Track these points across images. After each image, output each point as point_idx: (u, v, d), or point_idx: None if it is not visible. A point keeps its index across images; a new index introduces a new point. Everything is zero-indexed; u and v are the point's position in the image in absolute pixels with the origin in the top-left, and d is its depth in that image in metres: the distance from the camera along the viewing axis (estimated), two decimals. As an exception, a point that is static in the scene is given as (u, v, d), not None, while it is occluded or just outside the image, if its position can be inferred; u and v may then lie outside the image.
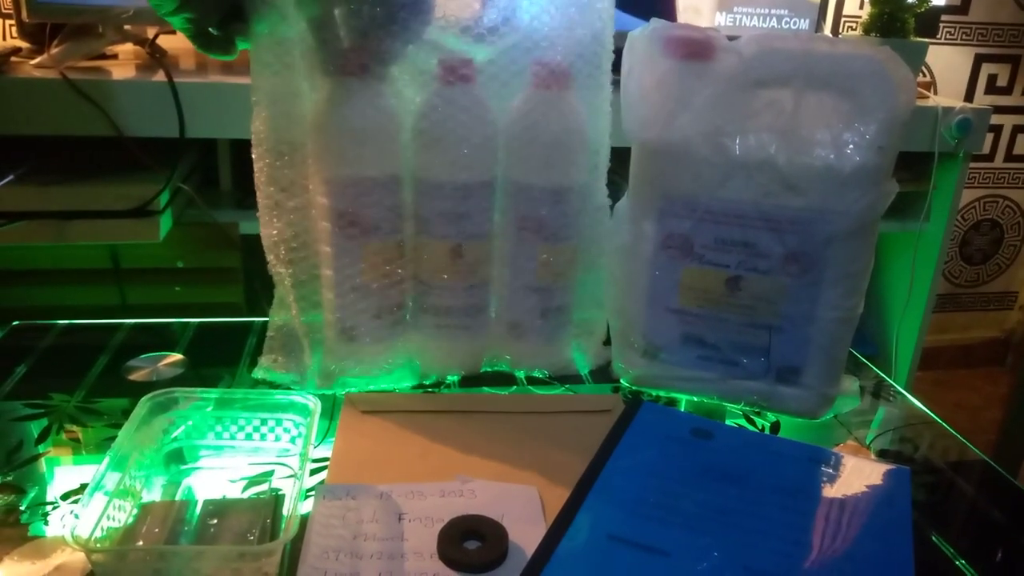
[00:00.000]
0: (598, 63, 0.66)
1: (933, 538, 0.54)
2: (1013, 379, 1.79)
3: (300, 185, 0.63)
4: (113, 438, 0.52)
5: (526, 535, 0.49)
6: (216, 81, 0.98)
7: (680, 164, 0.63)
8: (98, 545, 0.45)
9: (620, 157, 0.69)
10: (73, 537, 0.42)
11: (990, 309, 2.13)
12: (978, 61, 1.85)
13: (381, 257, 0.64)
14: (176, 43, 1.39)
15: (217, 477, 0.56)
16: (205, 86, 0.96)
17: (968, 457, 0.65)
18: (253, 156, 0.63)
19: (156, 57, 1.08)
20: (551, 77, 0.63)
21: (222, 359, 0.73)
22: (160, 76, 0.94)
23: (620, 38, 0.65)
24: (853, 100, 0.59)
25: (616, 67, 0.67)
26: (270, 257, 0.66)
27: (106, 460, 0.49)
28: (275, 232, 0.65)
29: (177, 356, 0.73)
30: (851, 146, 0.59)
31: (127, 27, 1.06)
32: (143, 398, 0.55)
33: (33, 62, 0.98)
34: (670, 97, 0.63)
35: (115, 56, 1.12)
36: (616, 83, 0.67)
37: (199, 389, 0.57)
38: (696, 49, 0.62)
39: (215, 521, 0.51)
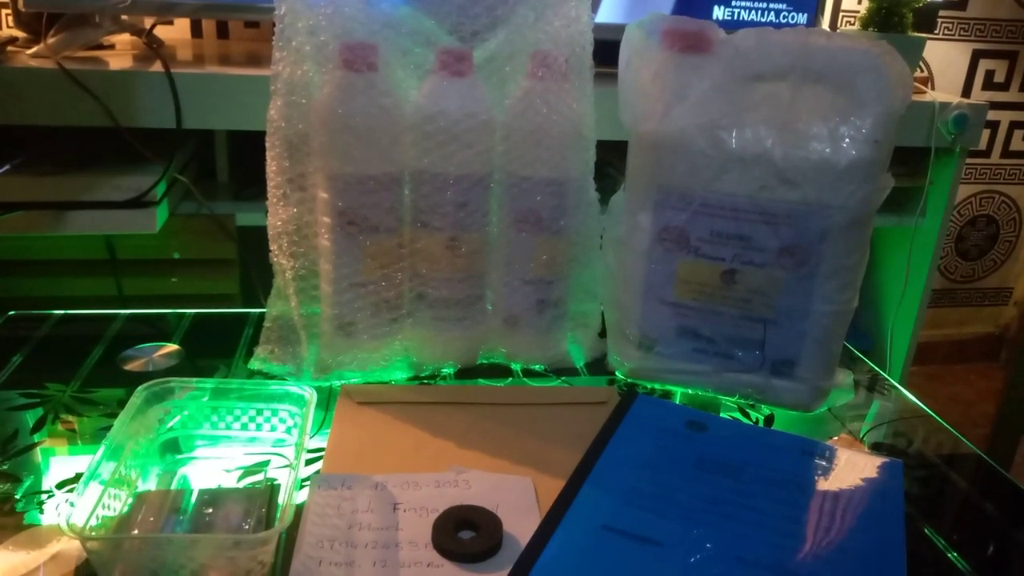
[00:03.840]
0: (585, 58, 0.66)
1: (926, 530, 0.54)
2: (1007, 374, 1.80)
3: (307, 177, 0.64)
4: (109, 428, 0.52)
5: (520, 525, 0.50)
6: (213, 72, 0.98)
7: (676, 156, 0.63)
8: (93, 534, 0.45)
9: (618, 151, 0.69)
10: (68, 525, 0.42)
11: (985, 305, 2.14)
12: (976, 57, 1.84)
13: (380, 256, 0.64)
14: (173, 34, 1.39)
15: (213, 467, 0.56)
16: (202, 77, 0.96)
17: (961, 451, 0.66)
18: (266, 144, 0.63)
19: (153, 47, 1.08)
20: (548, 70, 0.63)
21: (218, 350, 0.73)
22: (157, 67, 0.94)
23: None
24: (849, 94, 0.59)
25: (606, 60, 0.67)
26: (273, 247, 0.66)
27: (101, 449, 0.49)
28: (280, 223, 0.65)
29: (173, 347, 0.73)
30: (847, 140, 0.59)
31: (124, 17, 1.05)
32: (139, 388, 0.55)
33: (29, 52, 0.98)
34: (667, 89, 0.63)
35: (112, 46, 1.12)
36: (600, 76, 0.67)
37: (195, 379, 0.57)
38: (693, 42, 0.62)
39: (210, 510, 0.51)
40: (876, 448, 0.64)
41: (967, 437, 0.66)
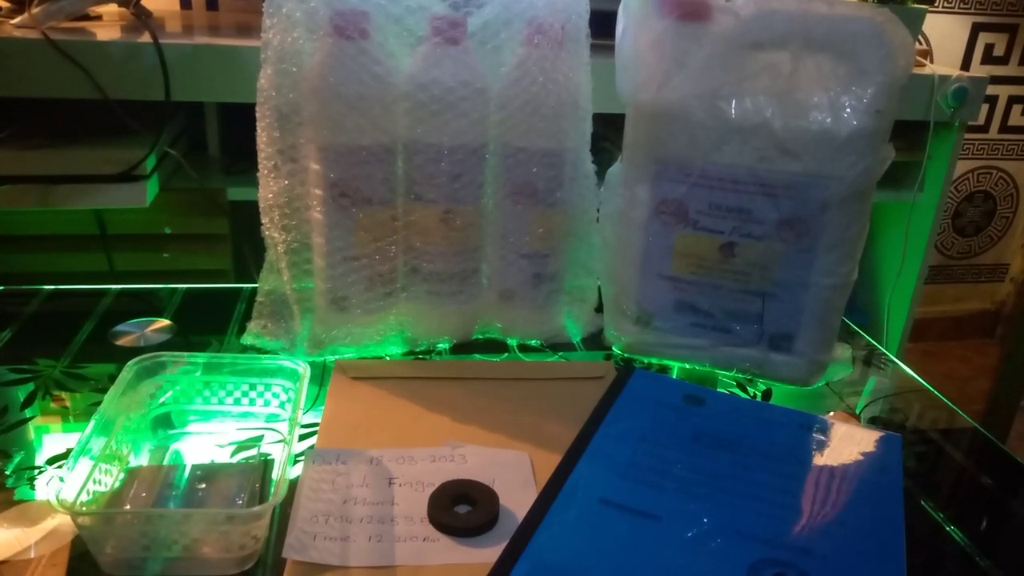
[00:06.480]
0: (581, 26, 0.65)
1: (923, 504, 0.54)
2: (1002, 351, 1.80)
3: (299, 149, 0.62)
4: (100, 403, 0.51)
5: (517, 500, 0.49)
6: (203, 43, 0.96)
7: (675, 127, 0.62)
8: (84, 509, 0.44)
9: (614, 124, 0.68)
10: (58, 500, 0.42)
11: (981, 281, 2.14)
12: (975, 30, 1.83)
13: (373, 229, 0.63)
14: (161, 5, 1.37)
15: (205, 442, 0.56)
16: (192, 48, 0.94)
17: (958, 425, 0.65)
18: (256, 115, 0.62)
19: (141, 18, 1.05)
20: (544, 37, 0.62)
21: (210, 325, 0.72)
22: (145, 38, 0.92)
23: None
24: (851, 63, 0.58)
25: (600, 32, 0.65)
26: (264, 220, 0.65)
27: (91, 424, 0.48)
28: (271, 196, 0.64)
29: (165, 322, 0.72)
30: (848, 109, 0.58)
31: (111, -13, 1.03)
32: (129, 362, 0.54)
33: (13, 22, 0.96)
34: (665, 58, 0.61)
35: (99, 17, 1.10)
36: (594, 48, 0.66)
37: (187, 353, 0.57)
38: (692, 9, 0.61)
39: (203, 485, 0.50)
40: (873, 422, 0.64)
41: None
